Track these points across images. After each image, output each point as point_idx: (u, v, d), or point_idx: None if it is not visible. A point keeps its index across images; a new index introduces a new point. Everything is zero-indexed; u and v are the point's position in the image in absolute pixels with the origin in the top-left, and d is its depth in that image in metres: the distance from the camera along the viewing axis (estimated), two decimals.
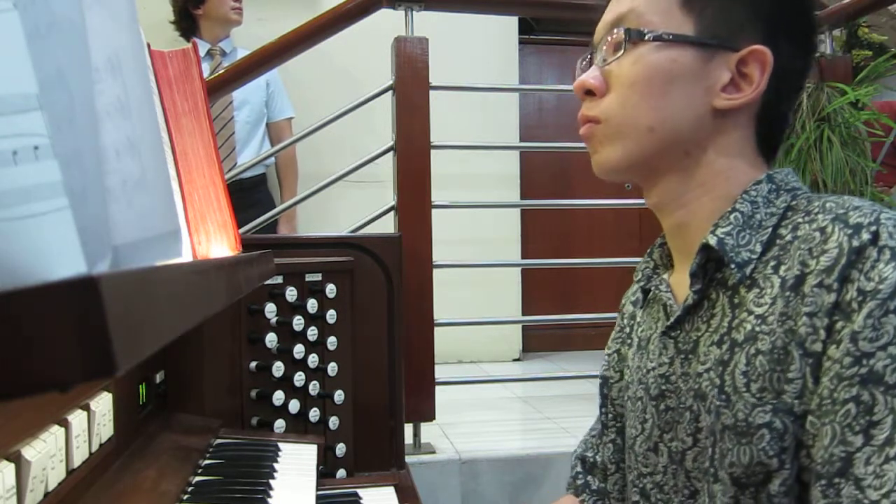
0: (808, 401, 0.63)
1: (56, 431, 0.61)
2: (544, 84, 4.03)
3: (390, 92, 2.07)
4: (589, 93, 0.77)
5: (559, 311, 3.55)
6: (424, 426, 1.99)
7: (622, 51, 0.74)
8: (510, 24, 3.53)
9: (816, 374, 0.63)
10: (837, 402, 0.60)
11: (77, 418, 0.66)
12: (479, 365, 3.35)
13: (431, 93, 2.05)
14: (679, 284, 0.79)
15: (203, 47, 2.81)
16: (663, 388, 0.77)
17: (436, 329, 2.02)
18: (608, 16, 0.78)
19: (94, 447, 0.71)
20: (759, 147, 0.76)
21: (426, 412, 1.97)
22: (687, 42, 0.73)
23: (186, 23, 2.83)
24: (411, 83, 2.03)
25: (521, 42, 3.63)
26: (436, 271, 2.04)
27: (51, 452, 0.59)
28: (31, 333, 0.23)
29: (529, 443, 2.10)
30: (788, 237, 0.69)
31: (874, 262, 0.61)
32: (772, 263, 0.69)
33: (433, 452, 1.93)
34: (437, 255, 2.05)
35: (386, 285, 1.42)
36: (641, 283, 0.85)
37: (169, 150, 0.70)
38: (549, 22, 3.94)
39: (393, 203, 2.05)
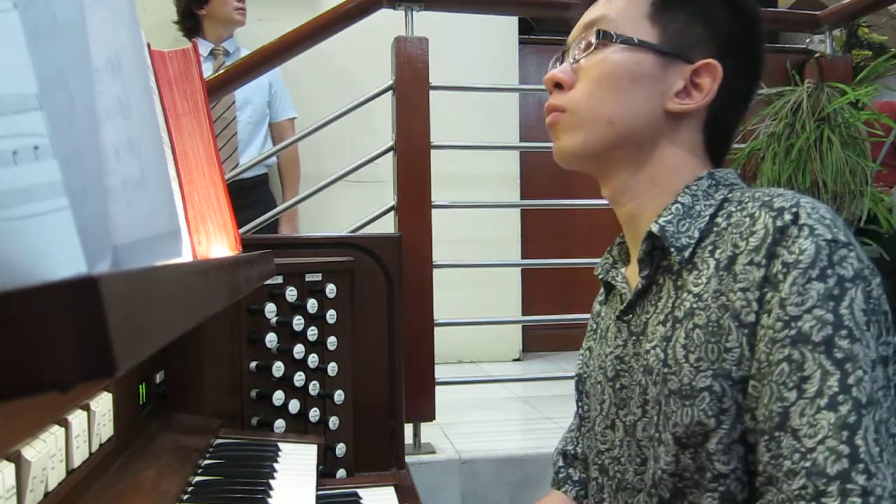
0: (746, 367, 0.70)
1: (56, 431, 0.61)
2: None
3: (390, 92, 2.07)
4: (558, 86, 0.85)
5: (559, 311, 3.54)
6: (424, 426, 1.99)
7: (592, 48, 0.83)
8: (510, 24, 3.53)
9: (752, 342, 0.69)
10: (773, 364, 0.67)
11: (77, 418, 0.66)
12: (479, 365, 3.35)
13: (431, 93, 2.05)
14: (634, 275, 0.85)
15: (206, 47, 2.81)
16: (618, 368, 0.84)
17: (436, 329, 2.02)
18: (583, 19, 0.87)
19: (94, 447, 0.71)
20: (706, 151, 0.85)
21: (426, 412, 1.97)
22: (650, 49, 0.81)
23: (190, 23, 2.83)
24: (411, 83, 2.03)
25: (521, 42, 3.63)
26: (436, 271, 2.03)
27: (51, 452, 0.59)
28: (31, 333, 0.23)
29: (529, 443, 2.10)
30: (723, 224, 0.77)
31: (795, 237, 0.68)
32: (709, 248, 0.76)
33: (433, 452, 1.93)
34: (437, 255, 2.05)
35: (386, 285, 1.42)
36: (601, 277, 0.92)
37: (169, 150, 0.70)
38: (549, 22, 3.94)
39: (393, 203, 2.05)
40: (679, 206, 0.80)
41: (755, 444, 0.69)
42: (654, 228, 0.79)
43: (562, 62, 0.88)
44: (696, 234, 0.78)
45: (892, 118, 2.55)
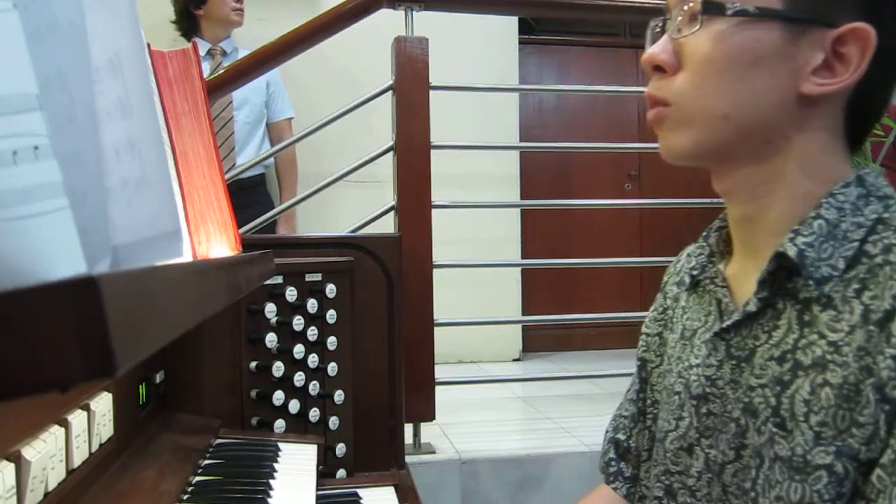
0: (875, 448, 0.58)
1: (56, 431, 0.61)
2: (544, 84, 4.04)
3: (390, 92, 2.07)
4: (658, 68, 0.69)
5: (559, 311, 3.55)
6: (424, 426, 1.99)
7: (698, 25, 0.66)
8: (510, 24, 3.53)
9: (892, 423, 0.57)
10: None
11: (77, 418, 0.66)
12: (479, 365, 3.35)
13: (431, 93, 2.05)
14: (737, 278, 0.73)
15: (204, 47, 2.81)
16: (707, 390, 0.71)
17: (436, 329, 2.02)
18: None
19: (94, 447, 0.71)
20: (846, 137, 0.68)
21: (426, 412, 1.97)
22: (775, 17, 0.63)
23: (188, 23, 2.83)
24: (411, 83, 2.03)
25: (521, 42, 3.63)
26: (436, 271, 2.03)
27: (51, 452, 0.59)
28: (31, 333, 0.23)
29: (529, 443, 2.10)
30: (879, 258, 0.61)
31: None
32: (854, 285, 0.61)
33: (433, 452, 1.93)
34: (437, 255, 2.05)
35: (386, 285, 1.42)
36: (695, 272, 0.78)
37: (169, 150, 0.70)
38: (549, 22, 3.95)
39: (393, 203, 2.05)
40: (822, 222, 0.64)
41: None
42: (791, 252, 0.63)
43: (662, 33, 0.71)
44: (842, 265, 0.62)
45: (893, 118, 2.55)
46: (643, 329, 0.89)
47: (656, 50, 0.69)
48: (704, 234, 0.79)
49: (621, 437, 0.89)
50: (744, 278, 0.71)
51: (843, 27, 0.63)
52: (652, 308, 0.89)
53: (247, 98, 2.79)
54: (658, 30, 0.72)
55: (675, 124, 0.69)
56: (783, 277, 0.66)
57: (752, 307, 0.67)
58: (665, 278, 0.89)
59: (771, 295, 0.67)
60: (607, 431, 0.92)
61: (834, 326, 0.61)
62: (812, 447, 0.60)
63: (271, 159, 2.89)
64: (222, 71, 2.18)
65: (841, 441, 0.59)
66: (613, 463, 0.89)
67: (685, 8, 0.67)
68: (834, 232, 0.63)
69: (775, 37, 0.64)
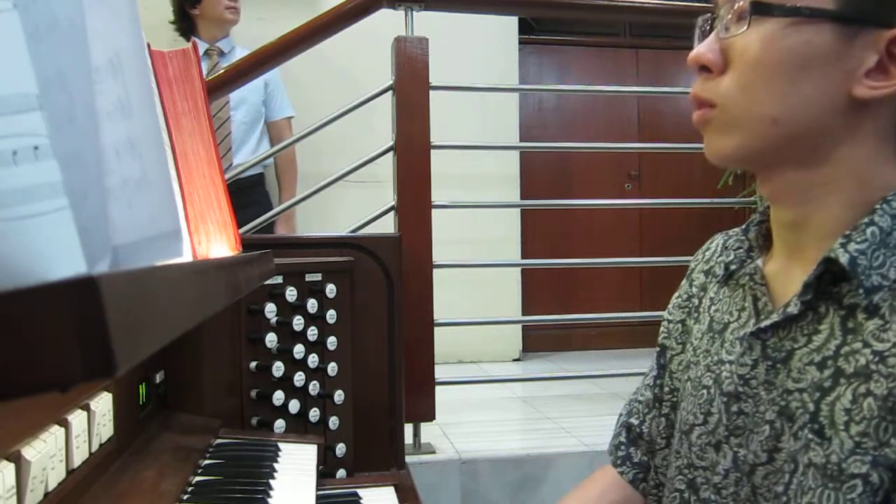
0: None
1: (56, 431, 0.61)
2: (544, 84, 4.04)
3: (390, 92, 2.07)
4: (705, 68, 0.67)
5: (559, 311, 3.55)
6: (424, 426, 1.99)
7: (747, 24, 0.64)
8: (510, 24, 3.53)
9: None
10: None
11: (77, 418, 0.66)
12: (479, 365, 3.35)
13: (431, 93, 2.05)
14: (777, 278, 0.71)
15: (201, 47, 2.81)
16: (740, 389, 0.70)
17: (436, 329, 2.02)
18: None
19: (94, 447, 0.71)
20: None
21: (426, 412, 1.97)
22: (826, 17, 0.61)
23: (185, 23, 2.83)
24: (411, 83, 2.03)
25: (521, 42, 3.63)
26: (436, 271, 2.03)
27: (51, 452, 0.59)
28: (31, 333, 0.23)
29: (529, 443, 2.10)
30: None
31: None
32: None
33: (433, 452, 1.93)
34: (437, 255, 2.05)
35: (386, 285, 1.42)
36: (734, 266, 0.76)
37: (169, 150, 0.70)
38: (549, 22, 3.95)
39: (393, 203, 2.05)
40: (875, 229, 0.62)
41: None
42: (843, 258, 0.61)
43: (710, 31, 0.69)
44: (893, 275, 0.61)
45: None
46: (665, 315, 0.88)
47: (703, 49, 0.67)
48: (744, 227, 0.77)
49: (634, 421, 0.88)
50: (784, 278, 0.70)
51: None
52: (676, 294, 0.88)
53: (244, 97, 2.78)
54: (706, 28, 0.70)
55: (721, 126, 0.67)
56: (828, 282, 0.64)
57: (793, 309, 0.66)
58: (692, 265, 0.87)
59: (814, 298, 0.65)
60: (621, 415, 0.91)
61: (880, 336, 0.60)
62: (848, 456, 0.59)
63: (270, 159, 2.89)
64: (222, 71, 2.18)
65: (879, 452, 0.58)
66: (623, 447, 0.88)
67: (734, 7, 0.65)
68: (887, 240, 0.62)
69: (827, 38, 0.62)
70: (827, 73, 0.62)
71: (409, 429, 1.87)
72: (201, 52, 2.81)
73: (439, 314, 2.03)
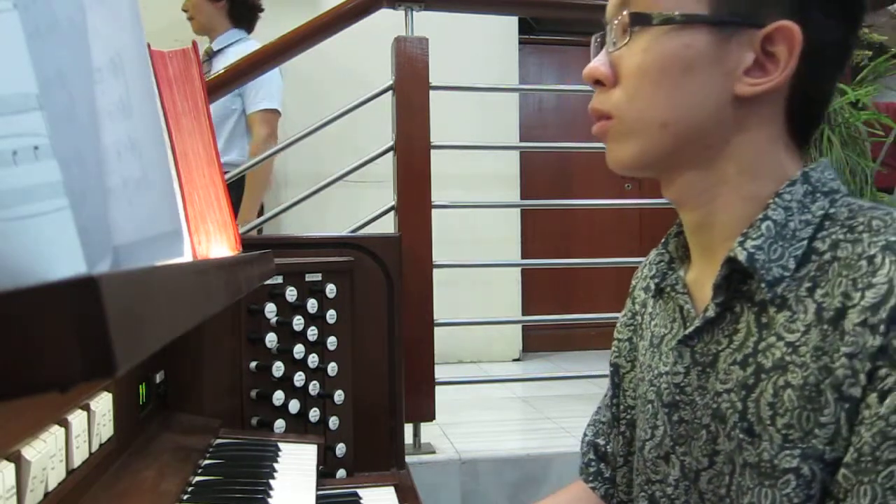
0: (839, 447, 0.58)
1: (56, 431, 0.61)
2: (544, 84, 4.04)
3: (390, 92, 2.07)
4: (599, 82, 0.70)
5: (559, 311, 3.55)
6: (424, 426, 1.99)
7: (628, 38, 0.67)
8: (510, 24, 3.53)
9: (853, 421, 0.57)
10: (880, 462, 0.55)
11: (77, 418, 0.66)
12: (479, 365, 3.35)
13: (431, 93, 2.05)
14: (696, 284, 0.73)
15: (202, 46, 2.80)
16: (677, 398, 0.72)
17: (436, 329, 2.02)
18: None
19: (94, 447, 0.71)
20: (791, 135, 0.68)
21: (426, 412, 1.97)
22: (701, 22, 0.64)
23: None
24: (411, 83, 2.03)
25: (521, 42, 3.63)
26: (436, 271, 2.04)
27: (51, 452, 0.59)
28: (31, 333, 0.23)
29: (529, 443, 2.10)
30: (827, 255, 0.62)
31: None
32: (806, 284, 0.62)
33: (433, 452, 1.93)
34: (437, 255, 2.05)
35: (386, 285, 1.42)
36: (656, 280, 0.78)
37: (169, 150, 0.70)
38: (549, 22, 3.95)
39: (393, 203, 2.05)
40: (770, 223, 0.64)
41: None
42: (741, 256, 0.64)
43: (602, 45, 0.72)
44: (792, 265, 0.63)
45: (894, 119, 2.55)
46: (615, 335, 0.89)
47: (595, 64, 0.70)
48: (664, 240, 0.79)
49: (601, 441, 0.90)
50: (703, 284, 0.71)
51: (770, 26, 0.63)
52: (622, 313, 0.90)
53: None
54: (598, 41, 0.73)
55: (618, 136, 0.70)
56: (738, 281, 0.66)
57: (711, 313, 0.68)
58: (633, 283, 0.89)
59: (728, 299, 0.67)
60: (585, 436, 0.93)
61: (790, 327, 0.62)
62: (778, 451, 0.60)
63: (239, 157, 2.65)
64: (222, 70, 2.18)
65: (806, 443, 0.59)
66: (593, 464, 0.90)
67: (615, 22, 0.68)
68: (783, 232, 0.64)
69: (704, 41, 0.64)
70: (708, 75, 0.65)
71: (409, 429, 1.87)
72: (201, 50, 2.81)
73: (439, 314, 2.03)
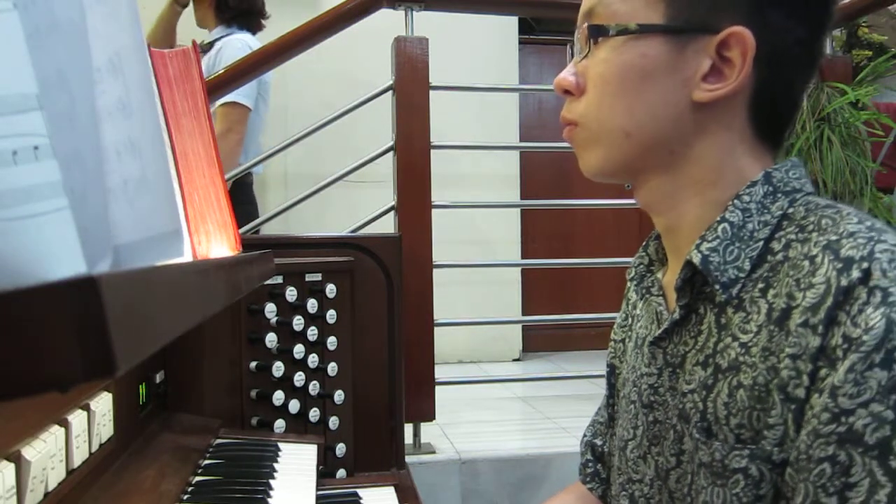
0: (787, 449, 0.58)
1: (56, 431, 0.61)
2: (544, 84, 4.03)
3: (390, 92, 2.07)
4: (567, 92, 0.73)
5: (559, 311, 3.55)
6: (424, 426, 1.99)
7: (589, 49, 0.69)
8: (510, 24, 3.53)
9: (799, 421, 0.57)
10: (812, 460, 0.55)
11: (77, 418, 0.66)
12: (479, 365, 3.35)
13: (431, 93, 2.05)
14: (670, 286, 0.74)
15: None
16: (652, 398, 0.73)
17: (436, 329, 2.02)
18: (583, 7, 0.71)
19: (94, 447, 0.71)
20: (758, 137, 0.68)
21: (426, 412, 1.97)
22: (656, 31, 0.65)
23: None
24: (411, 83, 2.03)
25: (521, 42, 3.63)
26: (436, 271, 2.03)
27: (51, 452, 0.59)
28: (31, 333, 0.23)
29: (529, 443, 2.10)
30: (780, 255, 0.62)
31: (863, 304, 0.54)
32: (760, 285, 0.63)
33: (433, 452, 1.93)
34: (437, 255, 2.05)
35: (386, 285, 1.42)
36: (635, 283, 0.79)
37: (169, 150, 0.70)
38: (549, 22, 3.94)
39: (393, 203, 2.05)
40: (726, 226, 0.65)
41: None
42: (696, 259, 0.65)
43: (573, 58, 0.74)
44: (747, 266, 0.63)
45: (894, 119, 2.55)
46: (611, 335, 0.90)
47: (563, 74, 0.72)
48: (644, 244, 0.81)
49: (598, 441, 0.91)
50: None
51: (723, 32, 0.64)
52: (619, 314, 0.91)
53: None
54: (573, 52, 0.75)
55: (584, 143, 0.72)
56: (700, 283, 0.67)
57: (676, 315, 0.69)
58: (628, 284, 0.89)
59: (693, 301, 0.68)
60: (584, 436, 0.94)
61: (744, 328, 0.63)
62: (729, 452, 0.61)
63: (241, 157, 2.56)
64: (222, 70, 2.17)
65: (756, 444, 0.60)
66: (591, 464, 0.91)
67: (578, 34, 0.71)
68: (740, 233, 0.64)
69: (661, 50, 0.66)
70: (667, 82, 0.66)
71: (409, 429, 1.87)
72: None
73: (439, 314, 2.03)
